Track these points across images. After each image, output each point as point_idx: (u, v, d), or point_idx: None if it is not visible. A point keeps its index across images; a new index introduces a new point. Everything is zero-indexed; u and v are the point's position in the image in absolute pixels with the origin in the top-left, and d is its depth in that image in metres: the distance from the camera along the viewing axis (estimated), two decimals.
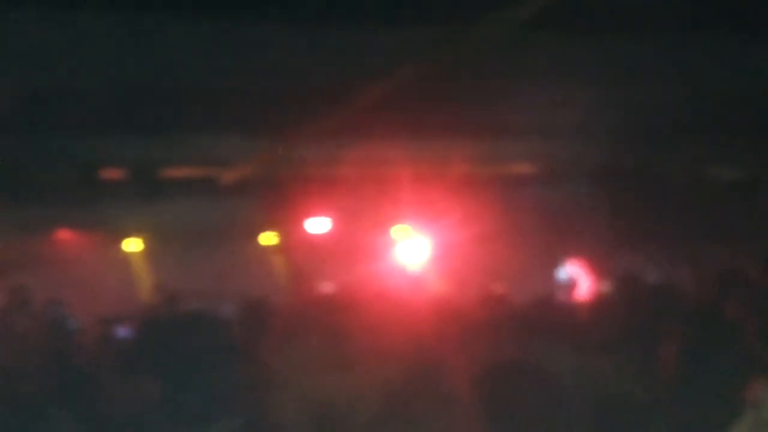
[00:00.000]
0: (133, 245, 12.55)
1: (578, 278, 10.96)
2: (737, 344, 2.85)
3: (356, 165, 11.29)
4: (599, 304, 8.71)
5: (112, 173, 10.96)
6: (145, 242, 12.56)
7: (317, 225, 12.30)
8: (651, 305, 7.03)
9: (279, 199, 11.46)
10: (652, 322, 6.49)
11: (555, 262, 11.40)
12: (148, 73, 7.79)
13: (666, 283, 9.03)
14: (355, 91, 8.07)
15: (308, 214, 12.21)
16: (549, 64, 7.69)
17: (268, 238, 12.94)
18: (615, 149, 11.01)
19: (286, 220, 12.40)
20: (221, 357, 4.32)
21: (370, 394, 3.40)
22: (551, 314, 6.68)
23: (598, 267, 10.39)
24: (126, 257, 12.44)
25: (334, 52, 7.46)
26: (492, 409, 3.26)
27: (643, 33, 7.20)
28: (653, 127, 9.96)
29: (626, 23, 6.88)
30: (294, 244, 12.43)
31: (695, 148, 10.89)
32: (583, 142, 10.81)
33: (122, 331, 7.29)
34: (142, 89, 8.09)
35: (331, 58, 7.54)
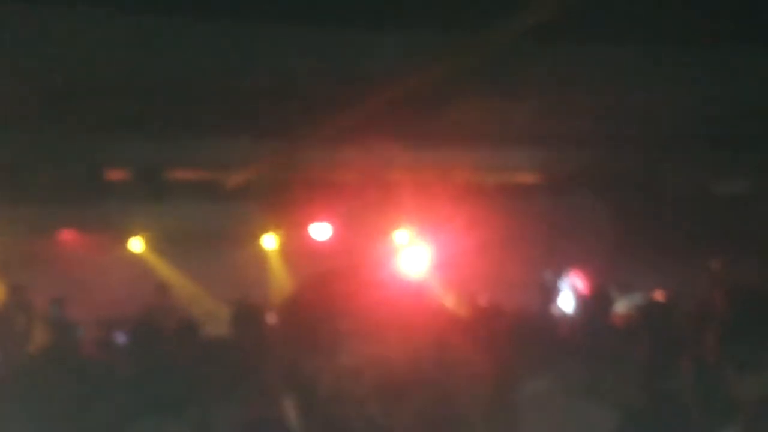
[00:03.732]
0: (137, 246, 12.56)
1: (579, 288, 10.93)
2: (738, 357, 2.87)
3: (360, 170, 11.30)
4: (600, 315, 8.69)
5: (117, 174, 10.99)
6: (148, 243, 12.57)
7: (320, 229, 12.30)
8: (653, 316, 7.00)
9: (282, 202, 11.46)
10: (653, 333, 6.46)
11: (555, 271, 11.38)
12: (155, 76, 7.81)
13: (669, 294, 9.01)
14: (361, 97, 8.08)
15: (311, 219, 12.22)
16: (553, 73, 7.70)
17: (270, 242, 12.95)
18: (619, 159, 11.01)
19: (289, 223, 12.40)
20: (215, 358, 4.35)
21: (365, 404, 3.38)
22: (550, 324, 6.67)
23: (600, 277, 10.36)
24: (130, 258, 12.44)
25: (340, 58, 7.47)
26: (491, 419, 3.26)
27: (648, 44, 7.20)
28: (658, 138, 9.95)
29: (631, 34, 6.89)
30: (296, 248, 12.42)
31: (700, 158, 10.87)
32: (587, 151, 10.80)
33: (122, 333, 7.29)
34: (149, 91, 8.11)
35: (337, 63, 7.56)
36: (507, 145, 10.40)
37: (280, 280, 12.62)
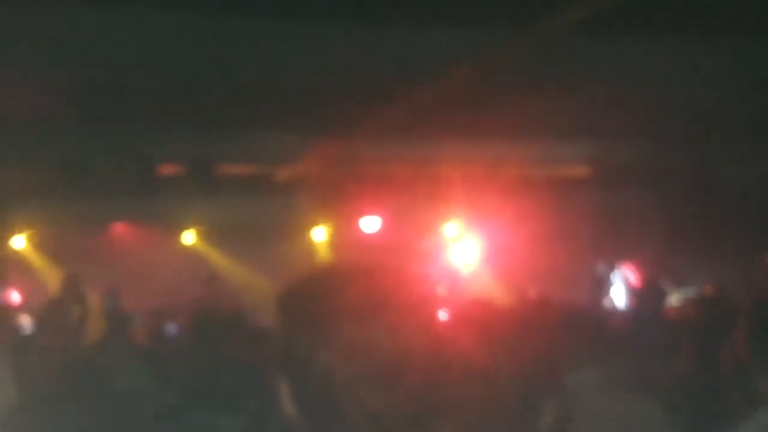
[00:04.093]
0: (189, 239, 12.70)
1: (631, 281, 10.83)
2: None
3: (410, 163, 11.31)
4: (653, 308, 8.60)
5: (170, 168, 11.12)
6: (200, 236, 12.70)
7: (370, 222, 12.34)
8: (705, 311, 6.92)
9: (333, 196, 11.51)
10: (706, 327, 6.39)
11: (607, 264, 11.28)
12: (208, 72, 7.89)
13: (721, 288, 8.88)
14: (410, 91, 8.09)
15: (361, 212, 12.25)
16: (603, 66, 7.64)
17: (320, 235, 13.00)
18: (670, 152, 10.88)
19: (339, 217, 12.45)
20: (264, 352, 4.37)
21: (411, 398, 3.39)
22: (601, 316, 6.64)
23: (652, 270, 10.25)
24: (182, 250, 12.59)
25: (391, 52, 7.48)
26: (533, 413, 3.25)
27: (700, 35, 7.11)
28: (709, 130, 9.83)
29: (683, 25, 6.81)
30: (346, 240, 12.47)
31: (753, 150, 10.70)
32: (638, 144, 10.70)
33: (173, 325, 7.39)
34: (201, 86, 8.20)
35: (387, 57, 7.57)
36: (557, 138, 10.34)
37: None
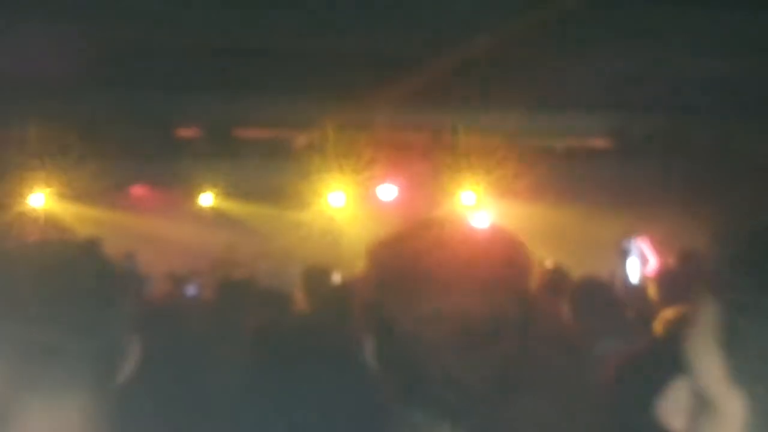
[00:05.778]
0: (206, 202, 12.71)
1: (647, 256, 10.80)
2: None
3: (427, 131, 11.27)
4: (667, 283, 8.56)
5: (189, 132, 11.14)
6: (217, 200, 12.72)
7: (386, 190, 12.32)
8: (720, 287, 6.87)
9: (349, 163, 11.50)
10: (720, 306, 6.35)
11: (624, 238, 11.24)
12: (226, 36, 7.89)
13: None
14: (430, 59, 8.07)
15: (378, 179, 12.23)
16: (626, 37, 7.59)
17: (336, 201, 12.98)
18: (691, 126, 10.81)
19: (355, 183, 12.43)
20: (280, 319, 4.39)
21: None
22: (616, 288, 6.63)
23: (668, 245, 10.21)
24: (199, 213, 12.60)
25: (411, 20, 7.46)
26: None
27: (723, 7, 7.05)
28: (731, 104, 9.75)
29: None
30: (362, 207, 12.45)
31: None
32: (658, 116, 10.63)
33: (191, 288, 7.43)
34: (221, 49, 8.20)
35: (407, 25, 7.55)
36: (577, 109, 10.28)
37: (345, 238, 12.69)
